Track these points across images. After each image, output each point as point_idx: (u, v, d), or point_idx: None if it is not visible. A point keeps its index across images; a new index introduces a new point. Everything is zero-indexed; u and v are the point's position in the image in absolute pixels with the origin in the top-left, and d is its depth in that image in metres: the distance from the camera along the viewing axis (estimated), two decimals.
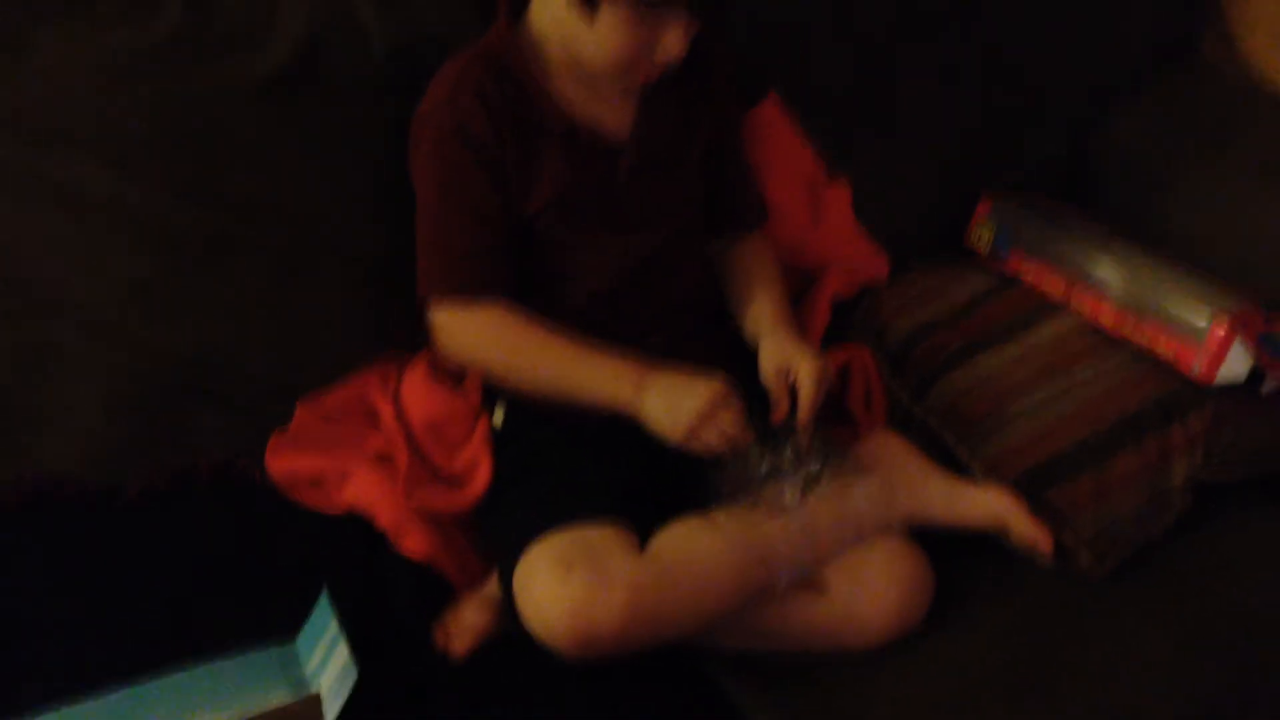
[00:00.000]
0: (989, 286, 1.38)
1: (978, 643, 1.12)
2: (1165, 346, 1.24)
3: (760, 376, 1.19)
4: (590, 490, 1.12)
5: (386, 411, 1.23)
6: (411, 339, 1.26)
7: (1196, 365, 1.22)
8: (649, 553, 1.07)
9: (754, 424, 1.13)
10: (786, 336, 1.21)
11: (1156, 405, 1.22)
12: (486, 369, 1.21)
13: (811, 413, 1.15)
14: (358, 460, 1.20)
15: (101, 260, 1.21)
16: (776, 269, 1.32)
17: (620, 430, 1.16)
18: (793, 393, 1.16)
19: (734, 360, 1.21)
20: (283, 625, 1.08)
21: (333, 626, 1.05)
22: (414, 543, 1.15)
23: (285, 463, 1.21)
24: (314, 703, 1.01)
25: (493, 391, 1.24)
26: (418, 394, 1.23)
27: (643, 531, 1.09)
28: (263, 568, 1.15)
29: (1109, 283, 1.30)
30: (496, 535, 1.15)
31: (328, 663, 1.04)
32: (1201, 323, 1.21)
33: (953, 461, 1.23)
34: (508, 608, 1.09)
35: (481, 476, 1.18)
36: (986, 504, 1.17)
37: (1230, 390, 1.22)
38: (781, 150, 1.39)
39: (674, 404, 1.12)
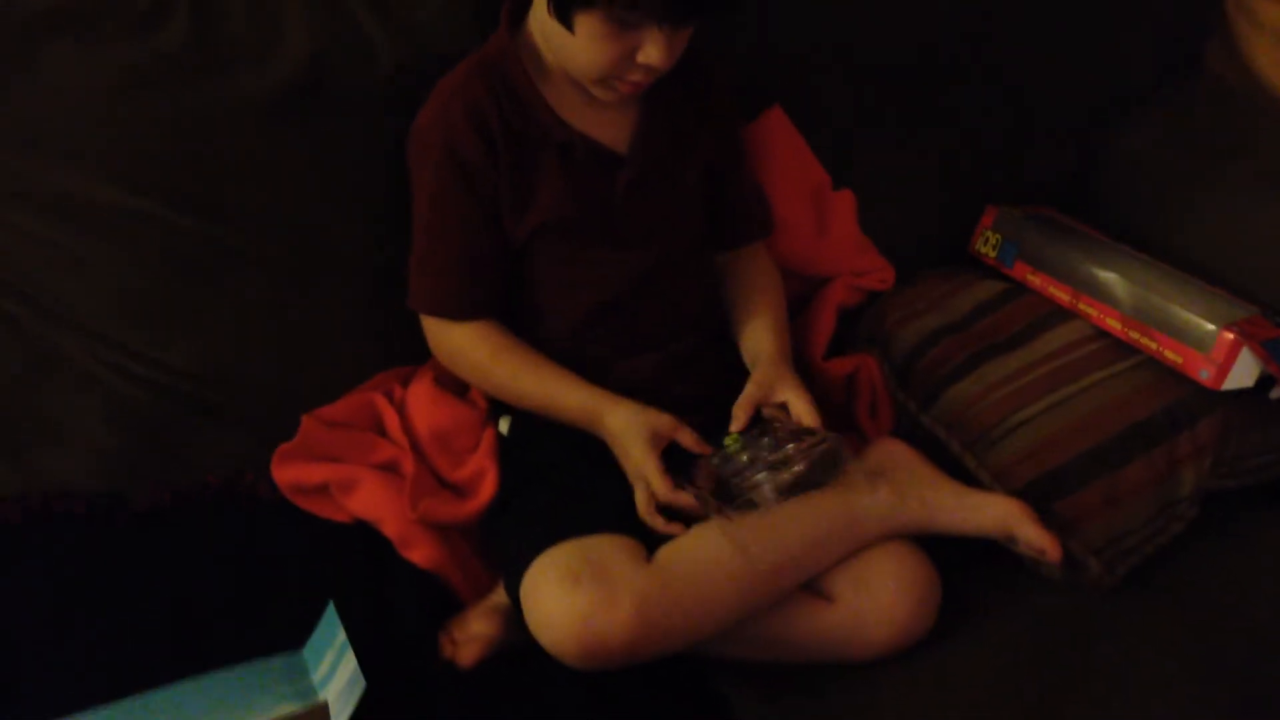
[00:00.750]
0: (995, 295, 1.38)
1: (985, 653, 1.11)
2: (1173, 354, 1.24)
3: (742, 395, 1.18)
4: (597, 501, 1.12)
5: (393, 422, 1.23)
6: (416, 351, 1.27)
7: (1204, 373, 1.21)
8: (655, 563, 1.07)
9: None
10: (781, 368, 1.20)
11: (1165, 413, 1.22)
12: (468, 381, 1.24)
13: (807, 409, 1.15)
14: (364, 470, 1.20)
15: (107, 274, 1.22)
16: (778, 286, 1.31)
17: None
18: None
19: (733, 377, 1.21)
20: (290, 635, 1.08)
21: (340, 636, 1.05)
22: (420, 552, 1.15)
23: (292, 472, 1.21)
24: (321, 712, 1.01)
25: (499, 402, 1.24)
26: (424, 404, 1.23)
27: (649, 542, 1.09)
28: (269, 579, 1.15)
29: (1115, 292, 1.30)
30: (503, 546, 1.15)
31: (335, 672, 1.04)
32: (1209, 330, 1.21)
33: (960, 470, 1.22)
34: (515, 618, 1.09)
35: (488, 486, 1.18)
36: (994, 511, 1.16)
37: (1238, 397, 1.21)
38: (786, 161, 1.39)
39: (622, 460, 1.14)
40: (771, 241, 1.35)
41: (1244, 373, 1.20)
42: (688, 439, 1.13)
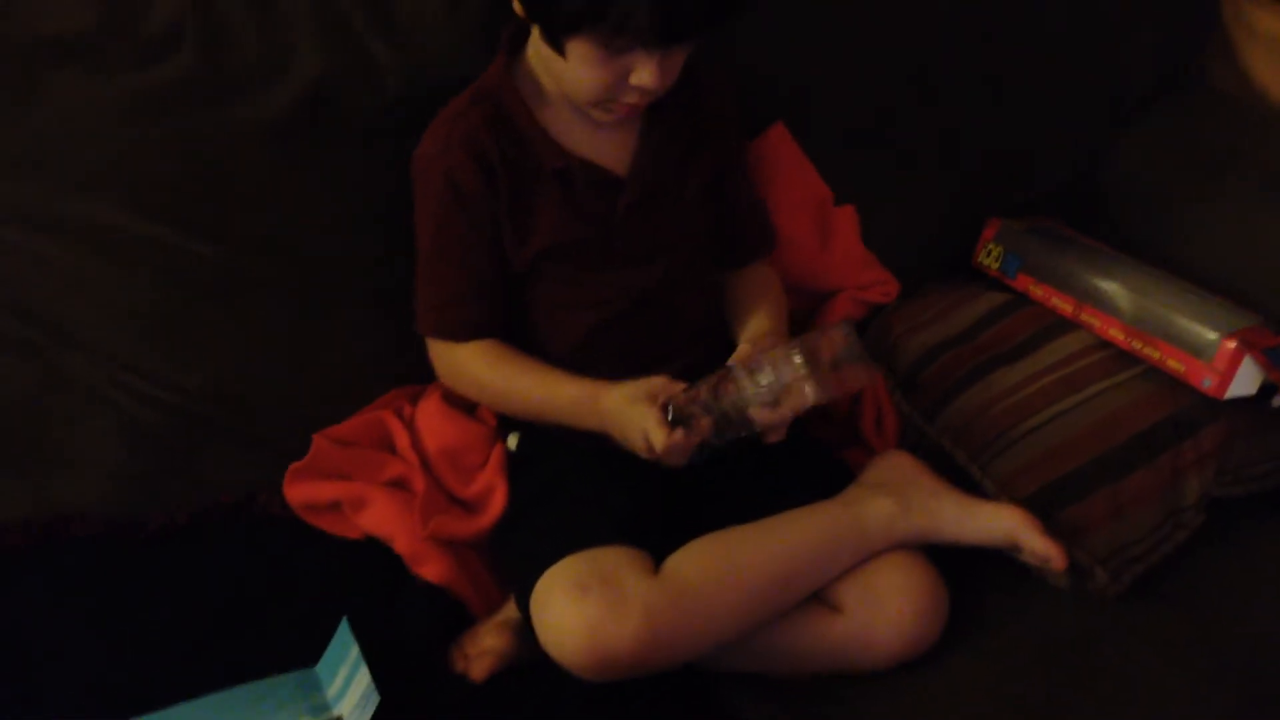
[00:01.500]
0: (998, 307, 1.38)
1: (992, 662, 1.12)
2: (1175, 363, 1.25)
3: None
4: (605, 514, 1.13)
5: (402, 439, 1.25)
6: (425, 369, 1.28)
7: (1207, 381, 1.22)
8: (664, 574, 1.08)
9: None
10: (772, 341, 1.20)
11: (1169, 422, 1.22)
12: (473, 399, 1.25)
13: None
14: (375, 487, 1.22)
15: (119, 297, 1.23)
16: (780, 295, 1.32)
17: (634, 457, 1.18)
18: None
19: None
20: (303, 652, 1.09)
21: (354, 652, 1.06)
22: (431, 569, 1.16)
23: (303, 490, 1.22)
24: None
25: (508, 418, 1.25)
26: (433, 421, 1.25)
27: (657, 554, 1.10)
28: (282, 597, 1.16)
29: (1117, 302, 1.30)
30: (513, 560, 1.16)
31: (349, 688, 1.05)
32: (1210, 339, 1.22)
33: (966, 481, 1.23)
34: (526, 632, 1.10)
35: (497, 502, 1.19)
36: (999, 520, 1.17)
37: (1241, 405, 1.22)
38: (789, 178, 1.40)
39: (623, 441, 1.14)
40: (775, 257, 1.36)
41: (1246, 381, 1.21)
42: (675, 389, 1.12)
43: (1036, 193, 1.53)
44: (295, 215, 1.26)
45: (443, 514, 1.20)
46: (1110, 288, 1.32)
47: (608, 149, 1.20)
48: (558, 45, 1.10)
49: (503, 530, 1.19)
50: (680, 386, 1.12)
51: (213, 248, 1.24)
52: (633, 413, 1.12)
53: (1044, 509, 1.18)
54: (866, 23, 1.43)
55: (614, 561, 1.06)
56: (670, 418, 1.10)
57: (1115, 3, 1.52)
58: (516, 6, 1.13)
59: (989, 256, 1.45)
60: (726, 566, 1.09)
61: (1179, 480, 1.20)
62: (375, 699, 1.02)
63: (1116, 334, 1.30)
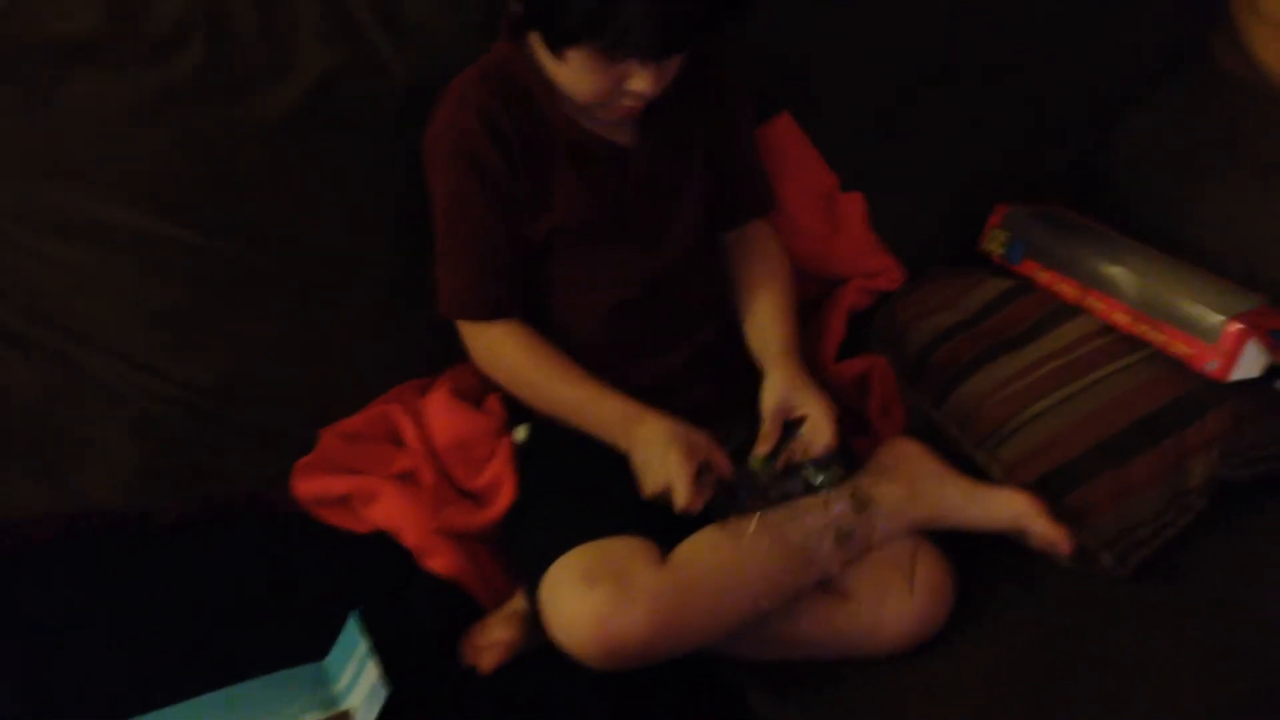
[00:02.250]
0: (1003, 292, 1.39)
1: (1000, 646, 1.12)
2: (1180, 347, 1.25)
3: (760, 406, 1.19)
4: (612, 504, 1.13)
5: (411, 432, 1.25)
6: (434, 363, 1.29)
7: (1211, 364, 1.22)
8: (671, 563, 1.09)
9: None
10: (793, 373, 1.21)
11: (1173, 405, 1.22)
12: (504, 386, 1.24)
13: (831, 445, 1.16)
14: (383, 480, 1.22)
15: (130, 294, 1.24)
16: (784, 268, 1.31)
17: None
18: (788, 426, 1.18)
19: (752, 378, 1.22)
20: (312, 646, 1.10)
21: (362, 645, 1.06)
22: (440, 561, 1.17)
23: (312, 485, 1.23)
24: None
25: (516, 410, 1.26)
26: (441, 414, 1.25)
27: (665, 543, 1.11)
28: (292, 591, 1.17)
29: (1122, 286, 1.30)
30: (521, 551, 1.17)
31: (358, 681, 1.06)
32: (1215, 322, 1.22)
33: (972, 466, 1.24)
34: (535, 623, 1.11)
35: (505, 494, 1.20)
36: (1006, 506, 1.17)
37: (1246, 388, 1.22)
38: (796, 166, 1.41)
39: (642, 470, 1.14)
40: (784, 243, 1.36)
41: (1251, 363, 1.21)
42: (723, 464, 1.13)
43: (1042, 177, 1.53)
44: (303, 211, 1.27)
45: (451, 506, 1.21)
46: (1115, 272, 1.32)
47: (615, 129, 1.21)
48: (558, 52, 1.12)
49: (511, 522, 1.19)
50: (722, 456, 1.13)
51: (222, 244, 1.25)
52: (667, 457, 1.11)
53: (1049, 494, 1.18)
54: (872, 9, 1.43)
55: (622, 552, 1.07)
56: (707, 486, 1.11)
57: None
58: (514, 7, 1.14)
59: (994, 242, 1.45)
60: (733, 556, 1.09)
61: (1184, 463, 1.20)
62: (384, 692, 1.02)
63: (1121, 318, 1.30)
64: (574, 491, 1.17)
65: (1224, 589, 1.16)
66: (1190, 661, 1.10)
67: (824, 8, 1.41)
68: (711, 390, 1.24)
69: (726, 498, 1.12)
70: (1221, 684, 1.08)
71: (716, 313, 1.28)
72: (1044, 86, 1.51)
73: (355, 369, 1.30)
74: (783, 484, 1.14)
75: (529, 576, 1.11)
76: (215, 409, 1.26)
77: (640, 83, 1.12)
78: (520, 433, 1.25)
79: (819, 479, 1.14)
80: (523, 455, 1.23)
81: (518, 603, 1.16)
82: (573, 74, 1.13)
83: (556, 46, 1.12)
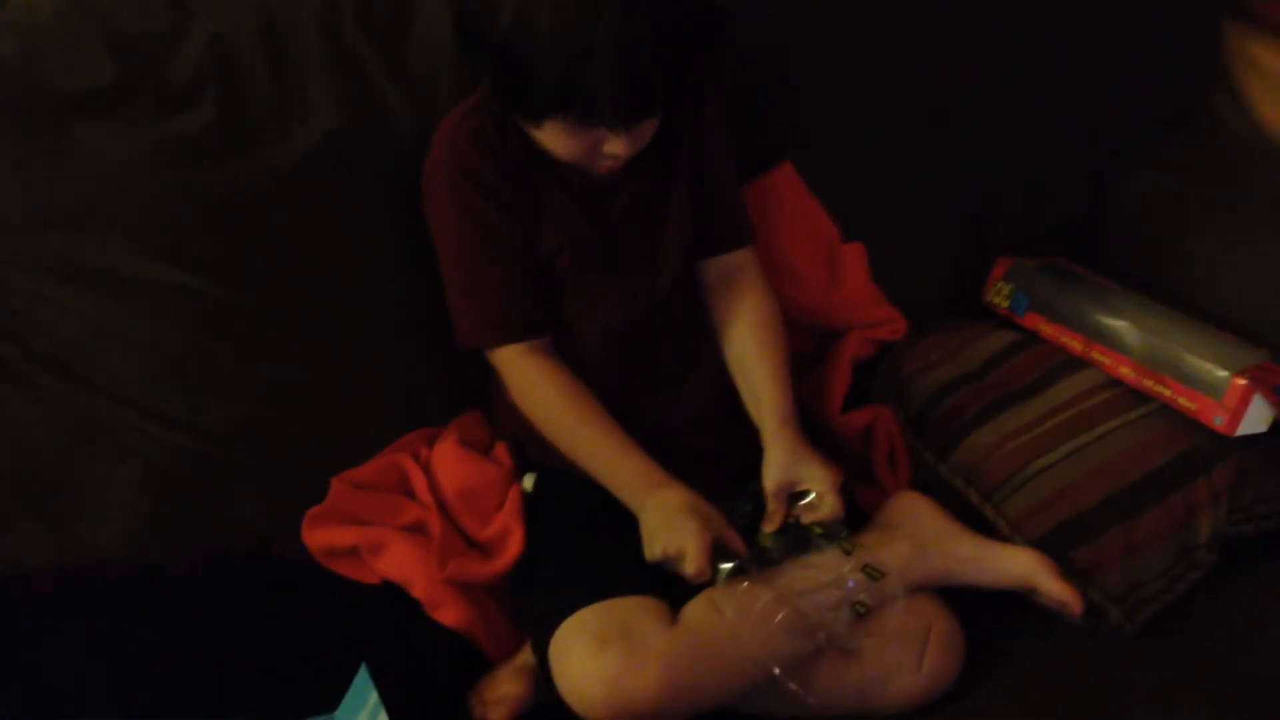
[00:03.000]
0: (1008, 345, 1.39)
1: (1010, 703, 1.12)
2: (1186, 401, 1.25)
3: (763, 482, 1.19)
4: (622, 563, 1.13)
5: (420, 482, 1.25)
6: (443, 412, 1.29)
7: (1218, 419, 1.22)
8: (682, 624, 1.09)
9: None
10: (794, 446, 1.20)
11: (1181, 460, 1.23)
12: (534, 419, 1.23)
13: (838, 516, 1.17)
14: (392, 532, 1.22)
15: (140, 342, 1.24)
16: (770, 304, 1.30)
17: None
18: (793, 497, 1.19)
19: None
20: (323, 698, 1.09)
21: (373, 697, 1.06)
22: (449, 613, 1.17)
23: (322, 535, 1.23)
24: None
25: (524, 459, 1.26)
26: (449, 464, 1.25)
27: (674, 602, 1.11)
28: (301, 643, 1.16)
29: (1127, 340, 1.31)
30: (530, 607, 1.17)
31: None
32: (1220, 377, 1.22)
33: (979, 520, 1.24)
34: (543, 679, 1.10)
35: (514, 545, 1.20)
36: (1015, 564, 1.17)
37: (1253, 443, 1.22)
38: (797, 217, 1.42)
39: (654, 533, 1.13)
40: (784, 295, 1.36)
41: (1257, 418, 1.22)
42: (736, 542, 1.14)
43: (1044, 230, 1.54)
44: (314, 260, 1.28)
45: (460, 557, 1.20)
46: (1119, 326, 1.33)
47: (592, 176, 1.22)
48: (532, 124, 1.15)
49: (520, 576, 1.19)
50: (735, 537, 1.14)
51: (233, 292, 1.25)
52: (685, 525, 1.11)
53: (1057, 549, 1.19)
54: (875, 61, 1.44)
55: (632, 612, 1.07)
56: (721, 564, 1.11)
57: (1120, 40, 1.53)
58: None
59: (998, 294, 1.46)
60: (744, 614, 1.09)
61: (1191, 519, 1.21)
62: None
63: (1127, 372, 1.30)
64: (584, 548, 1.17)
65: (1233, 644, 1.16)
66: (1200, 718, 1.09)
67: (826, 59, 1.42)
68: (711, 440, 1.25)
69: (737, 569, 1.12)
70: None
71: (713, 344, 1.29)
72: (1045, 140, 1.52)
73: (365, 417, 1.30)
74: (792, 552, 1.14)
75: (538, 633, 1.11)
76: (225, 457, 1.27)
77: (615, 146, 1.14)
78: (528, 482, 1.25)
79: (827, 549, 1.14)
80: (530, 505, 1.24)
81: (526, 656, 1.16)
82: (550, 139, 1.15)
83: (528, 119, 1.14)
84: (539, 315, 1.22)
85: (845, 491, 1.20)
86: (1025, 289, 1.43)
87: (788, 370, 1.27)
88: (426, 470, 1.27)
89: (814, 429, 1.28)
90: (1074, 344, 1.36)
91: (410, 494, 1.26)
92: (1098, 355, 1.34)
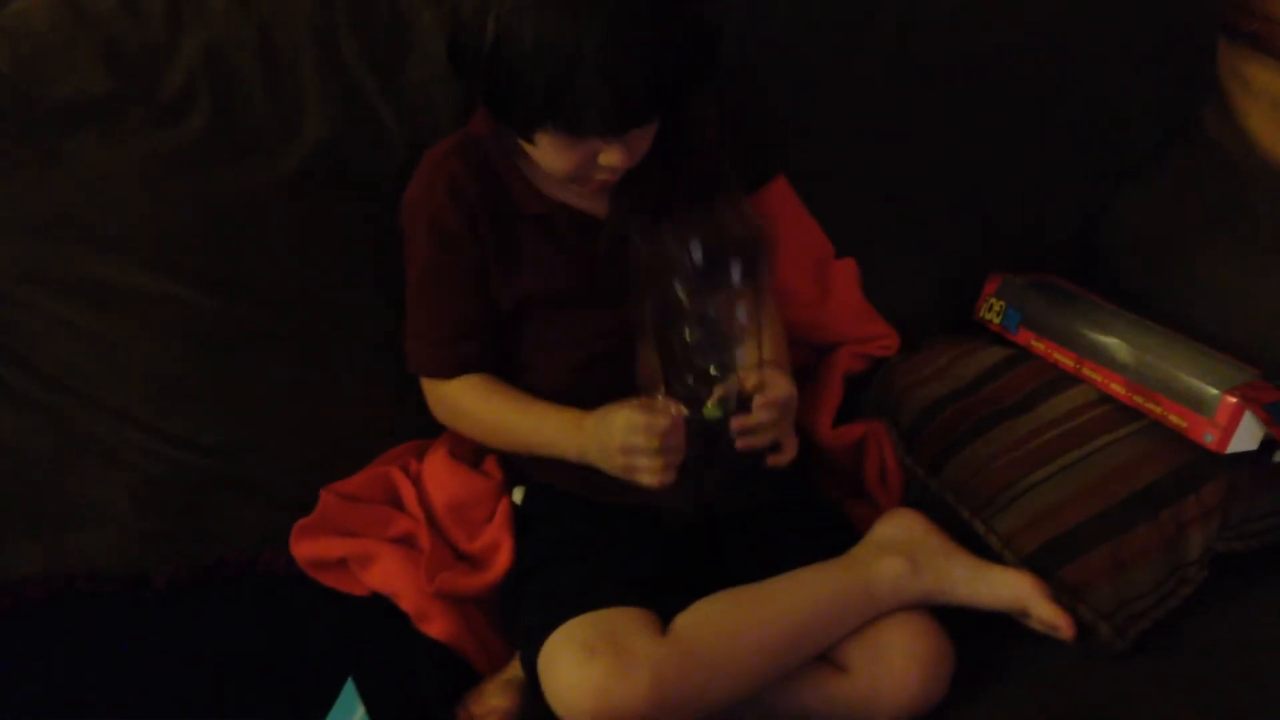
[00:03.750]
0: (1000, 361, 1.39)
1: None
2: (1177, 419, 1.25)
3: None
4: (612, 574, 1.13)
5: (409, 495, 1.25)
6: (434, 425, 1.29)
7: (1208, 437, 1.22)
8: (671, 634, 1.08)
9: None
10: (781, 370, 1.20)
11: (1171, 477, 1.23)
12: (468, 435, 1.26)
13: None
14: (381, 544, 1.22)
15: (132, 354, 1.24)
16: (774, 323, 1.30)
17: (640, 513, 1.18)
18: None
19: None
20: (309, 711, 1.09)
21: (359, 711, 1.06)
22: (437, 626, 1.17)
23: (310, 547, 1.23)
24: None
25: (514, 472, 1.26)
26: (439, 476, 1.25)
27: (664, 614, 1.10)
28: (288, 655, 1.16)
29: (1118, 357, 1.31)
30: (519, 619, 1.16)
31: None
32: (1211, 394, 1.23)
33: (969, 535, 1.24)
34: (531, 691, 1.10)
35: (503, 558, 1.20)
36: (1008, 587, 1.17)
37: (1243, 461, 1.22)
38: (790, 232, 1.41)
39: (603, 448, 1.13)
40: (776, 309, 1.37)
41: (1247, 436, 1.22)
42: (676, 413, 1.11)
43: (1038, 247, 1.54)
44: (305, 272, 1.28)
45: (449, 570, 1.20)
46: (1111, 343, 1.33)
47: (586, 198, 1.22)
48: (525, 137, 1.15)
49: (509, 588, 1.19)
50: (671, 406, 1.12)
51: (227, 305, 1.26)
52: (612, 416, 1.12)
53: (1047, 565, 1.18)
54: (870, 78, 1.44)
55: (621, 623, 1.07)
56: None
57: (1113, 60, 1.53)
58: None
59: (990, 311, 1.46)
60: (734, 627, 1.09)
61: (1182, 535, 1.20)
62: None
63: (1118, 389, 1.31)
64: (572, 560, 1.16)
65: (1222, 662, 1.16)
66: None
67: (821, 76, 1.42)
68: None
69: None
70: None
71: None
72: (1039, 157, 1.53)
73: (355, 430, 1.31)
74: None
75: (527, 646, 1.11)
76: (215, 469, 1.27)
77: (610, 157, 1.14)
78: (517, 494, 1.25)
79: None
80: (520, 518, 1.23)
81: (515, 669, 1.15)
82: (544, 153, 1.15)
83: (521, 132, 1.15)
84: (477, 357, 1.23)
85: (836, 507, 1.19)
86: (1017, 305, 1.43)
87: (785, 343, 1.29)
88: (416, 482, 1.27)
89: (805, 443, 1.27)
90: (1066, 361, 1.36)
91: (399, 506, 1.27)
92: (1089, 372, 1.34)
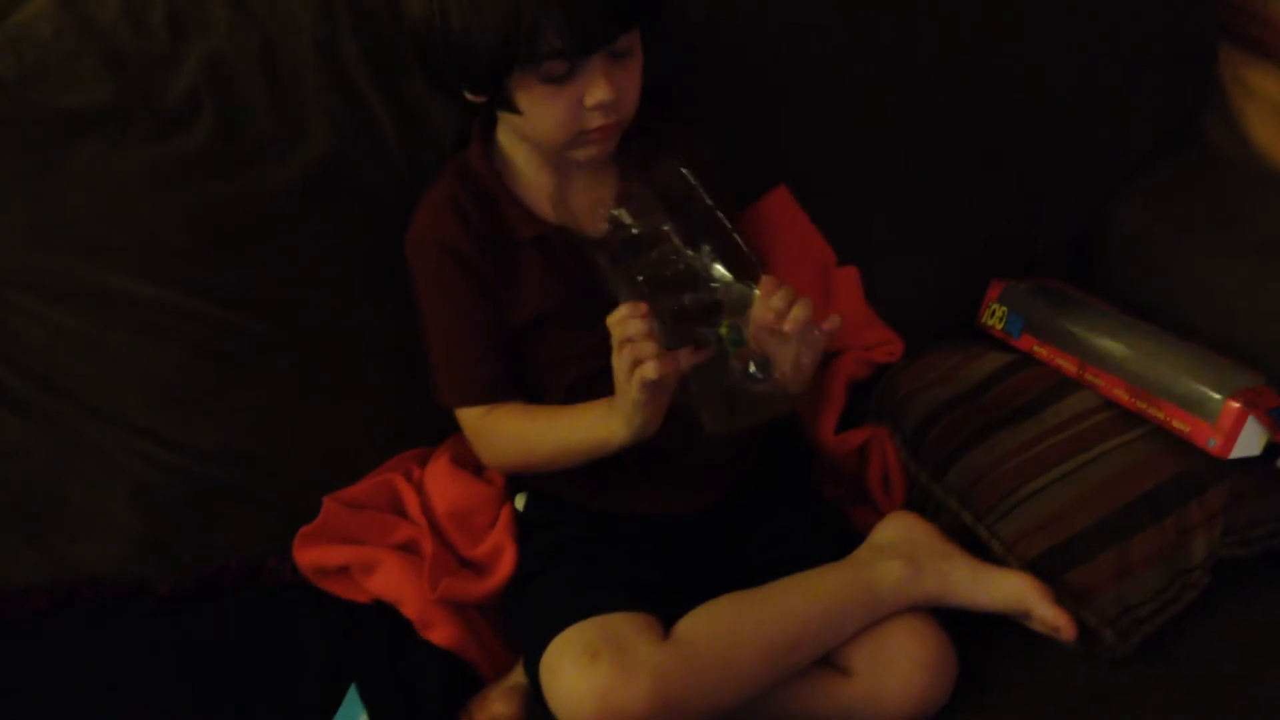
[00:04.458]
0: (1003, 367, 1.39)
1: None
2: (1180, 424, 1.25)
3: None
4: (614, 579, 1.13)
5: (412, 501, 1.26)
6: (435, 433, 1.29)
7: (1212, 442, 1.22)
8: (674, 638, 1.08)
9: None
10: None
11: (1174, 482, 1.22)
12: (513, 466, 1.25)
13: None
14: (384, 551, 1.23)
15: (134, 362, 1.25)
16: None
17: (642, 519, 1.18)
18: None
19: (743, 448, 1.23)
20: (313, 717, 1.09)
21: (362, 718, 1.06)
22: (440, 632, 1.17)
23: (313, 554, 1.23)
24: None
25: (516, 478, 1.26)
26: (441, 483, 1.26)
27: (666, 618, 1.10)
28: (292, 662, 1.17)
29: (1120, 363, 1.31)
30: (522, 625, 1.17)
31: None
32: (1214, 399, 1.22)
33: (972, 541, 1.24)
34: (534, 698, 1.10)
35: (506, 563, 1.20)
36: (1010, 589, 1.17)
37: (1246, 465, 1.22)
38: (792, 240, 1.42)
39: (619, 389, 1.10)
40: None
41: (1250, 441, 1.21)
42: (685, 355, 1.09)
43: (1038, 253, 1.54)
44: (307, 282, 1.28)
45: (451, 576, 1.21)
46: (1113, 348, 1.33)
47: (583, 214, 1.21)
48: (507, 100, 1.13)
49: (512, 594, 1.19)
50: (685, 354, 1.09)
51: (226, 313, 1.26)
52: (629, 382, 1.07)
53: (1050, 570, 1.18)
54: (870, 85, 1.45)
55: (624, 627, 1.07)
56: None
57: (1115, 65, 1.54)
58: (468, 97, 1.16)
59: (993, 317, 1.46)
60: (736, 631, 1.09)
61: (1185, 541, 1.20)
62: None
63: (1120, 394, 1.31)
64: (574, 565, 1.17)
65: (1225, 668, 1.15)
66: None
67: (821, 85, 1.43)
68: (700, 456, 1.23)
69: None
70: None
71: None
72: (1039, 164, 1.53)
73: (357, 438, 1.31)
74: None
75: (529, 651, 1.11)
76: (216, 477, 1.27)
77: (596, 93, 1.11)
78: (519, 501, 1.25)
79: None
80: (522, 524, 1.24)
81: (518, 676, 1.16)
82: (533, 114, 1.13)
83: (500, 93, 1.13)
84: (509, 377, 1.22)
85: (838, 509, 1.19)
86: (1020, 311, 1.43)
87: None
88: (419, 489, 1.27)
89: (808, 447, 1.27)
90: (1068, 366, 1.36)
91: (402, 513, 1.27)
92: (1092, 377, 1.34)
